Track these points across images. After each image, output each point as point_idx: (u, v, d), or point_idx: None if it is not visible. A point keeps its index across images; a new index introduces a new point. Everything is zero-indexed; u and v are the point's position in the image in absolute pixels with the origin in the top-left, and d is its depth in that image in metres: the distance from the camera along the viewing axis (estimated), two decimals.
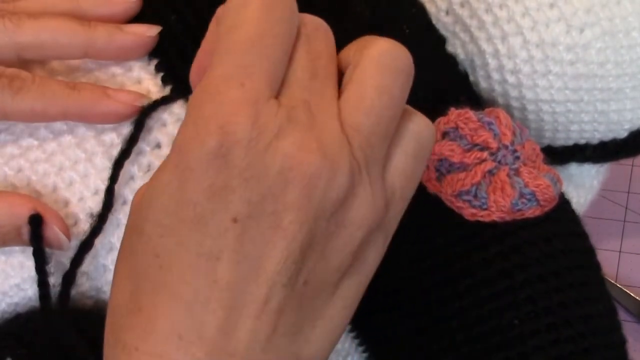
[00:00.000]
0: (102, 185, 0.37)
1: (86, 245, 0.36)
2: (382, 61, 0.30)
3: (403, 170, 0.30)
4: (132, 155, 0.37)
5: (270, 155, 0.27)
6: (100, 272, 0.37)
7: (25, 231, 0.35)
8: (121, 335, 0.28)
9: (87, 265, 0.37)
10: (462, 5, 0.42)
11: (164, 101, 0.38)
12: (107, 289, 0.37)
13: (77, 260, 0.36)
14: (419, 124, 0.31)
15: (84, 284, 0.37)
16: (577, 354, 0.37)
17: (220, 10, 0.31)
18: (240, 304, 0.27)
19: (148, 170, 0.37)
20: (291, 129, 0.27)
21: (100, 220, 0.36)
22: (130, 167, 0.37)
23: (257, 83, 0.28)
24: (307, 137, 0.27)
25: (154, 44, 0.39)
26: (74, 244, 0.36)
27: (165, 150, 0.37)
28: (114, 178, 0.36)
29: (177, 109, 0.38)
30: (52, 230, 0.35)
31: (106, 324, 0.29)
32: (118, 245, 0.36)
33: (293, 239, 0.27)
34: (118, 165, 0.36)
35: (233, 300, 0.27)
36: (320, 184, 0.27)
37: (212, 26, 0.32)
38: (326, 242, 0.28)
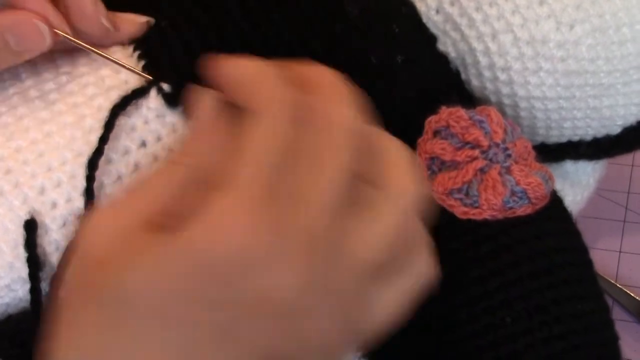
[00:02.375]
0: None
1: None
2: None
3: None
4: (119, 156, 0.37)
5: None
6: None
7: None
8: None
9: None
10: (452, 3, 0.42)
11: (134, 96, 0.38)
12: None
13: (64, 261, 0.36)
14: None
15: None
16: (569, 351, 0.37)
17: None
18: None
19: (135, 169, 0.37)
20: None
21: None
22: (117, 167, 0.37)
23: None
24: None
25: None
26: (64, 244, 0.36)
27: (152, 149, 0.37)
28: (90, 179, 0.36)
29: (154, 103, 0.38)
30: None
31: None
32: None
33: None
34: (92, 165, 0.36)
35: None
36: None
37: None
38: None
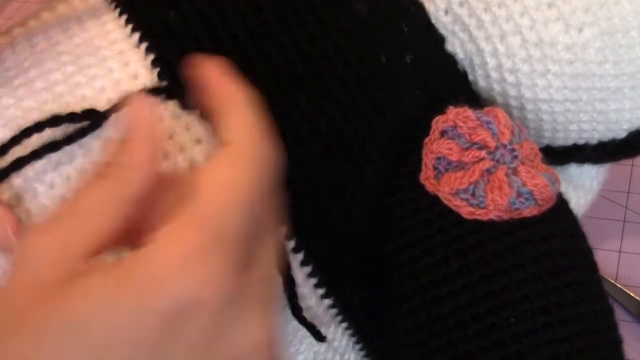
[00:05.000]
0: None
1: None
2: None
3: None
4: None
5: None
6: None
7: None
8: None
9: None
10: (461, 4, 0.42)
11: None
12: None
13: None
14: None
15: None
16: (573, 353, 0.37)
17: None
18: None
19: None
20: None
21: None
22: None
23: None
24: None
25: None
26: None
27: (163, 145, 0.37)
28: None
29: (172, 105, 0.38)
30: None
31: None
32: None
33: None
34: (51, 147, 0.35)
35: None
36: None
37: None
38: None
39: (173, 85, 0.38)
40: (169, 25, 0.40)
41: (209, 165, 0.29)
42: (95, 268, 0.28)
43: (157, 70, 0.39)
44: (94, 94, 0.38)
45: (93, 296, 0.27)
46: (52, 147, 0.36)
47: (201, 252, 0.27)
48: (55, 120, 0.36)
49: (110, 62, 0.39)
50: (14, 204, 0.36)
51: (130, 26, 0.40)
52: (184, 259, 0.27)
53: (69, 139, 0.36)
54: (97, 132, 0.36)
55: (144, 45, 0.39)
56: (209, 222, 0.28)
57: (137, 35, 0.40)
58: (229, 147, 0.30)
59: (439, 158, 0.40)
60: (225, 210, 0.28)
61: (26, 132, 0.36)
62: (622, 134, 0.45)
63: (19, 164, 0.36)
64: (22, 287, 0.28)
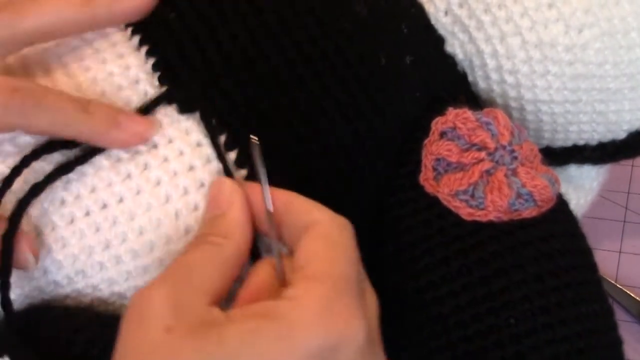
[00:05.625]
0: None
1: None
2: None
3: None
4: (129, 154, 0.37)
5: None
6: (96, 269, 0.37)
7: None
8: None
9: (82, 262, 0.37)
10: (460, 5, 0.43)
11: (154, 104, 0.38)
12: (103, 286, 0.37)
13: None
14: None
15: (79, 282, 0.37)
16: (573, 354, 0.37)
17: None
18: None
19: (145, 169, 0.37)
20: None
21: None
22: (127, 165, 0.37)
23: None
24: None
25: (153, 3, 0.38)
26: None
27: (162, 150, 0.38)
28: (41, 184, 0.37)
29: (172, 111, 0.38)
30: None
31: None
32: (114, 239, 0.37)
33: None
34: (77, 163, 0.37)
35: None
36: None
37: None
38: None
39: (173, 89, 0.38)
40: (169, 27, 0.40)
41: (312, 240, 0.34)
42: (235, 316, 0.31)
43: (157, 74, 0.39)
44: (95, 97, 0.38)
45: (244, 338, 0.30)
46: (64, 169, 0.37)
47: (338, 299, 0.31)
48: (50, 147, 0.37)
49: (110, 66, 0.39)
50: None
51: (130, 29, 0.40)
52: (326, 306, 0.31)
53: (81, 159, 0.37)
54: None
55: (144, 49, 0.39)
56: (338, 278, 0.32)
57: (137, 39, 0.40)
58: (319, 225, 0.34)
59: (438, 159, 0.40)
60: (344, 266, 0.33)
61: (25, 162, 0.36)
62: (621, 135, 0.45)
63: (36, 190, 0.36)
64: (150, 340, 0.30)
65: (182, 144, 0.38)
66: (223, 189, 0.36)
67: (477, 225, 0.39)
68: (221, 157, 0.38)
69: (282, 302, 0.31)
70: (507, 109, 0.44)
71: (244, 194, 0.36)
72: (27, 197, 0.36)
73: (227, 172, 0.37)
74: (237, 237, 0.35)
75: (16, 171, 0.36)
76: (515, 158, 0.40)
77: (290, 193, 0.36)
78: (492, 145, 0.39)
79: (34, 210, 0.37)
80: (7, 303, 0.36)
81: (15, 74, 0.38)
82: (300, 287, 0.32)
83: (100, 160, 0.37)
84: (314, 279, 0.32)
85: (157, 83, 0.39)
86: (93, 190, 0.37)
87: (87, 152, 0.37)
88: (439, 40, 0.43)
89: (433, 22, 0.43)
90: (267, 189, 0.35)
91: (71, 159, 0.37)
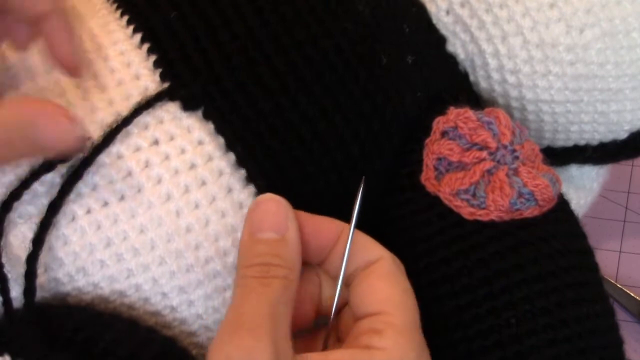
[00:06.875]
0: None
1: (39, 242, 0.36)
2: None
3: None
4: (130, 152, 0.37)
5: None
6: (97, 267, 0.37)
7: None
8: None
9: (83, 260, 0.37)
10: (462, 5, 0.43)
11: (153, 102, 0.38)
12: (104, 284, 0.37)
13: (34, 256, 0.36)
14: None
15: (80, 280, 0.37)
16: (574, 354, 0.37)
17: None
18: None
19: (146, 167, 0.37)
20: None
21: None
22: (128, 163, 0.37)
23: None
24: None
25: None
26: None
27: (164, 147, 0.37)
28: (64, 191, 0.36)
29: (172, 107, 0.38)
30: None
31: None
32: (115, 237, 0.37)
33: None
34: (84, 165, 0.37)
35: None
36: None
37: None
38: None
39: (175, 86, 0.38)
40: (171, 26, 0.40)
41: (380, 280, 0.36)
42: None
43: (159, 71, 0.39)
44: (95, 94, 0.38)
45: None
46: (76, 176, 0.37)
47: (410, 347, 0.34)
48: (49, 166, 0.36)
49: (112, 63, 0.39)
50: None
51: (132, 27, 0.40)
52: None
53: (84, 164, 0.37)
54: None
55: (145, 46, 0.39)
56: (415, 328, 0.35)
57: (138, 36, 0.40)
58: (383, 261, 0.36)
59: (439, 159, 0.40)
60: (416, 314, 0.36)
61: (26, 184, 0.37)
62: (623, 135, 0.45)
63: (64, 191, 0.37)
64: None
65: (184, 142, 0.38)
66: (279, 210, 0.36)
67: (478, 225, 0.39)
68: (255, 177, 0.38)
69: (376, 353, 0.33)
70: (508, 108, 0.44)
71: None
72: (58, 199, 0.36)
73: (253, 179, 0.38)
74: (298, 266, 0.36)
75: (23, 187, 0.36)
76: (517, 157, 0.40)
77: (345, 224, 0.37)
78: (493, 144, 0.39)
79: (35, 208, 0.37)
80: (7, 302, 0.36)
81: (19, 74, 0.38)
82: (390, 338, 0.34)
83: (101, 157, 0.37)
84: (400, 333, 0.34)
85: (158, 80, 0.39)
86: (94, 188, 0.37)
87: (90, 155, 0.37)
88: (441, 40, 0.43)
89: (434, 21, 0.43)
90: (353, 229, 0.36)
91: (76, 163, 0.37)
